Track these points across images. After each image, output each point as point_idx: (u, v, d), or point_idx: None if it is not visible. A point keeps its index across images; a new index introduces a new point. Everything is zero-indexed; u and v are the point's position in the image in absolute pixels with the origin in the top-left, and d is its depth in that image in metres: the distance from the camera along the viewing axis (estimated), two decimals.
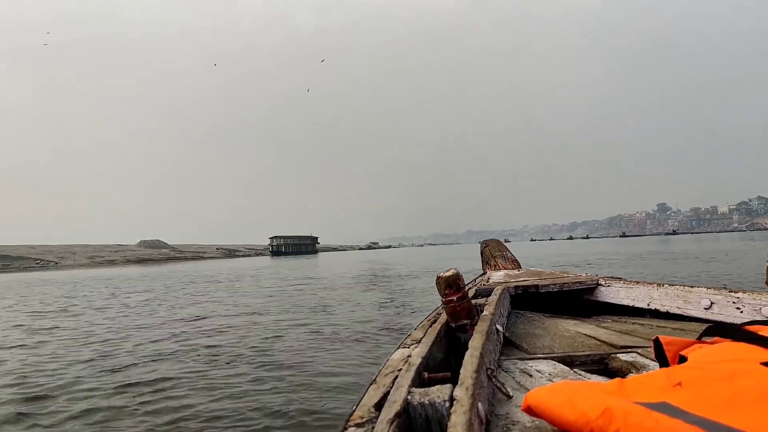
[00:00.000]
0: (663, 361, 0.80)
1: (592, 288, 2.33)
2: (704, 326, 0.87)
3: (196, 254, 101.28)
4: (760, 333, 0.71)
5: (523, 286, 2.30)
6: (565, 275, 2.67)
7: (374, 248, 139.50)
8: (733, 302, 1.63)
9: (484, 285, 2.33)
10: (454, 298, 1.20)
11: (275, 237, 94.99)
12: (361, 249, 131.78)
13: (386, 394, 0.71)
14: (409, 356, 0.92)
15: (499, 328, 1.38)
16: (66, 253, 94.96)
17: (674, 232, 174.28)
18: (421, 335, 1.13)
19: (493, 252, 3.74)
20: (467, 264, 12.75)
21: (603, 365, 1.19)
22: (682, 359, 0.74)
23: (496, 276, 2.90)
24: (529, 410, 0.66)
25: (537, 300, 2.27)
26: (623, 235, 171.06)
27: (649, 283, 2.10)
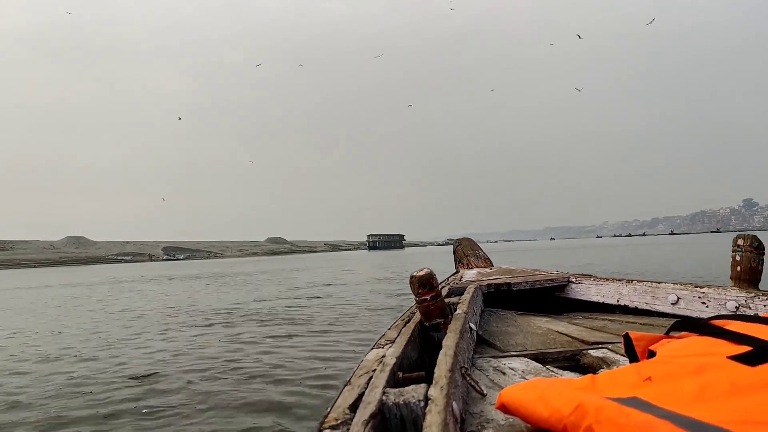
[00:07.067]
0: (633, 357, 0.81)
1: (563, 285, 2.35)
2: (672, 321, 0.90)
3: (311, 248, 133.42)
4: (725, 327, 0.72)
5: (495, 284, 2.30)
6: (537, 273, 2.69)
7: (450, 244, 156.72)
8: (699, 297, 1.64)
9: (457, 284, 2.33)
10: (428, 297, 1.20)
11: (371, 235, 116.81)
12: (438, 245, 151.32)
13: (361, 395, 0.71)
14: (383, 356, 0.92)
15: (473, 326, 1.38)
16: (223, 247, 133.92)
17: (718, 231, 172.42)
18: (395, 335, 1.13)
19: (465, 251, 3.74)
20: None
21: (575, 361, 1.22)
22: (651, 354, 0.75)
23: (469, 274, 2.90)
24: (503, 408, 0.67)
25: (509, 298, 2.30)
26: (671, 233, 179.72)
27: (619, 280, 2.12)
